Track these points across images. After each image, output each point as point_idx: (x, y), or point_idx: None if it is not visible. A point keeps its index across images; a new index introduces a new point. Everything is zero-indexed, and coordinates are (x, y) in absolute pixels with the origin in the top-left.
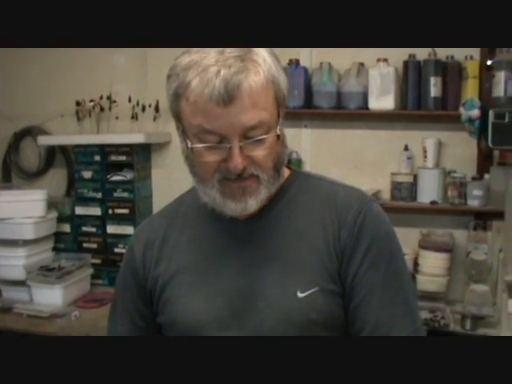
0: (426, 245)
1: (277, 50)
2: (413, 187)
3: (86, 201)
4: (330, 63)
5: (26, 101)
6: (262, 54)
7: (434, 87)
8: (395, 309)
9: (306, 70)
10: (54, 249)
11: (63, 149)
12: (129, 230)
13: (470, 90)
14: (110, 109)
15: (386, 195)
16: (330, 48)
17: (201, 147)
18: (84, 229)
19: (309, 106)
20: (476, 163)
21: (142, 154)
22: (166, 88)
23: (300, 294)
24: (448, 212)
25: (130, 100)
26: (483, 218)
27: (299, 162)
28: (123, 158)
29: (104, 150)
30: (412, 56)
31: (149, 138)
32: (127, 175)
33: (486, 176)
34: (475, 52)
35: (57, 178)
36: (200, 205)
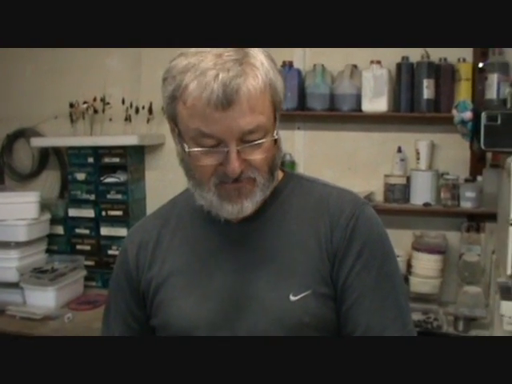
0: (419, 246)
1: (270, 52)
2: (406, 189)
3: (79, 203)
4: (323, 65)
5: (20, 102)
6: (260, 58)
7: (427, 89)
8: (387, 312)
9: (299, 71)
10: (48, 251)
11: (56, 151)
12: (122, 231)
13: (463, 92)
14: (103, 111)
15: (379, 197)
16: (324, 49)
17: (198, 151)
18: (77, 231)
19: (302, 107)
20: (469, 165)
21: (135, 156)
22: (162, 90)
23: (293, 298)
24: (441, 214)
25: (123, 102)
26: (476, 220)
27: (292, 163)
28: (117, 159)
29: (97, 151)
30: (405, 58)
31: (142, 140)
32: (121, 177)
33: (479, 178)
34: (468, 54)
35: (50, 179)
36: (193, 207)
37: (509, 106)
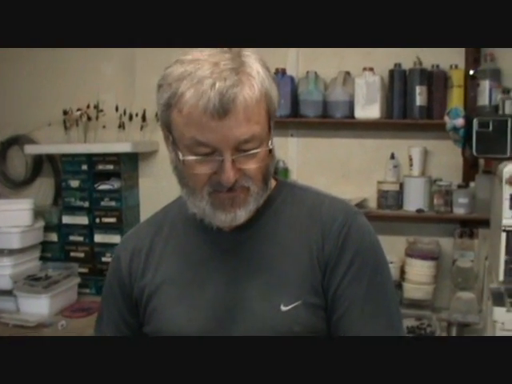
0: (412, 253)
1: (263, 58)
2: (399, 195)
3: (73, 210)
4: (316, 72)
5: (13, 110)
6: (256, 67)
7: (420, 96)
8: (378, 321)
9: (292, 78)
10: (41, 258)
11: (50, 158)
12: (116, 238)
13: (455, 98)
14: (97, 118)
15: (372, 204)
16: (316, 56)
17: (192, 159)
18: (71, 238)
19: (295, 114)
20: (461, 171)
21: (129, 163)
22: (157, 97)
23: (283, 308)
24: (434, 220)
25: (117, 109)
26: (469, 226)
27: (286, 170)
28: (110, 167)
29: (91, 159)
30: (397, 65)
31: (136, 147)
32: (114, 184)
33: (472, 184)
34: (460, 61)
35: (44, 186)
36: (186, 215)
37: (501, 112)
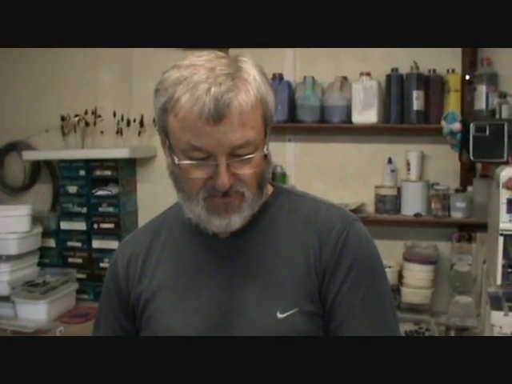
0: (410, 257)
1: (260, 64)
2: (397, 200)
3: (71, 215)
4: (313, 77)
5: (11, 116)
6: (252, 73)
7: (417, 101)
8: (376, 329)
9: (289, 84)
10: (39, 264)
11: (48, 164)
12: (114, 244)
13: (452, 103)
14: (94, 124)
15: (370, 208)
16: (314, 62)
17: (188, 164)
18: (69, 244)
19: (293, 120)
20: (459, 175)
21: (127, 169)
22: (154, 102)
23: (280, 315)
24: (432, 224)
25: (114, 115)
26: (467, 230)
27: (283, 176)
28: (108, 172)
29: (89, 164)
30: (394, 70)
31: (133, 153)
32: (112, 190)
33: (469, 188)
34: (457, 65)
35: (42, 192)
36: (183, 220)
37: (497, 116)
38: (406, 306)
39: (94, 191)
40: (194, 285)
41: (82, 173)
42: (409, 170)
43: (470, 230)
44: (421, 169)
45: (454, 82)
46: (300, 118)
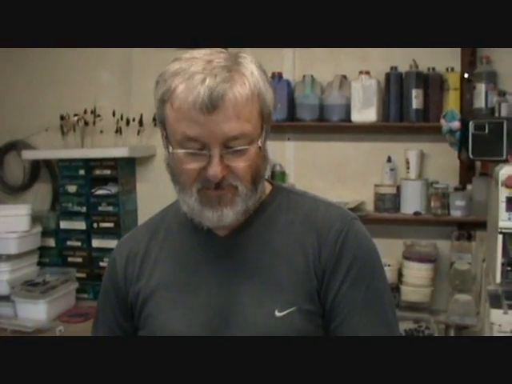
0: (409, 255)
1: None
2: (396, 198)
3: (70, 215)
4: (312, 76)
5: (10, 115)
6: (251, 68)
7: (416, 99)
8: (376, 328)
9: (288, 82)
10: (39, 263)
11: (48, 163)
12: (114, 243)
13: (452, 101)
14: (94, 123)
15: (369, 207)
16: (313, 60)
17: (182, 153)
18: (69, 243)
19: (292, 118)
20: (458, 174)
21: (126, 168)
22: (154, 94)
23: (278, 314)
24: (431, 223)
25: (114, 114)
26: (466, 228)
27: (283, 174)
28: (108, 171)
29: (88, 164)
30: (394, 68)
31: (133, 152)
32: (112, 189)
33: (469, 186)
34: (456, 64)
35: (41, 192)
36: (181, 219)
37: (497, 114)
38: (406, 305)
39: (93, 190)
40: (192, 283)
41: (82, 172)
42: (408, 168)
43: (470, 228)
44: (420, 167)
45: (453, 81)
46: (299, 116)
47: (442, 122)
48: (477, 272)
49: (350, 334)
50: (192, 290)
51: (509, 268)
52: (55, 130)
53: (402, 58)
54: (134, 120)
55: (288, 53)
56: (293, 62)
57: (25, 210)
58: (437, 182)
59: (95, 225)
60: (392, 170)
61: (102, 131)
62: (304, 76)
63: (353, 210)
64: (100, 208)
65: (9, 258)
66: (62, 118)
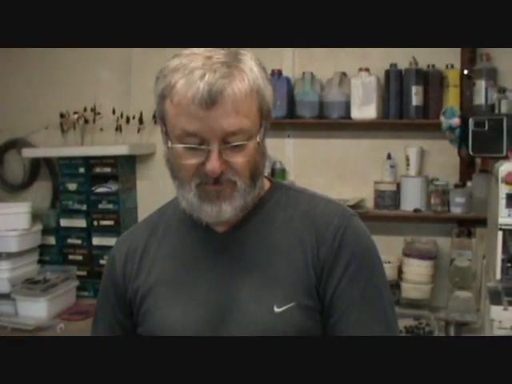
0: (409, 252)
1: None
2: (396, 195)
3: (70, 213)
4: (312, 73)
5: (10, 113)
6: (250, 64)
7: (416, 96)
8: (375, 324)
9: (288, 79)
10: (39, 261)
11: (48, 161)
12: (114, 241)
13: (451, 98)
14: (94, 121)
15: (369, 204)
16: (312, 57)
17: (181, 148)
18: (69, 241)
19: (292, 115)
20: (458, 171)
21: (126, 166)
22: (154, 90)
23: (277, 309)
24: (431, 219)
25: (114, 112)
26: (466, 225)
27: (283, 171)
28: (108, 169)
29: (88, 161)
30: (393, 65)
31: (133, 150)
32: (112, 187)
33: (469, 183)
34: (456, 60)
35: (41, 190)
36: (180, 216)
37: (497, 111)
38: (406, 302)
39: (93, 188)
40: (191, 279)
41: (82, 170)
42: (408, 165)
43: (470, 225)
44: (420, 164)
45: (453, 78)
46: (299, 113)
47: (442, 118)
48: (477, 269)
49: (348, 330)
50: (191, 287)
51: (509, 264)
52: (55, 128)
53: (402, 55)
54: (133, 118)
55: (288, 50)
56: (292, 59)
57: (25, 208)
58: (437, 179)
59: (95, 223)
60: (392, 166)
61: (101, 129)
62: (304, 73)
63: (353, 207)
64: (100, 206)
65: (9, 256)
66: (61, 115)
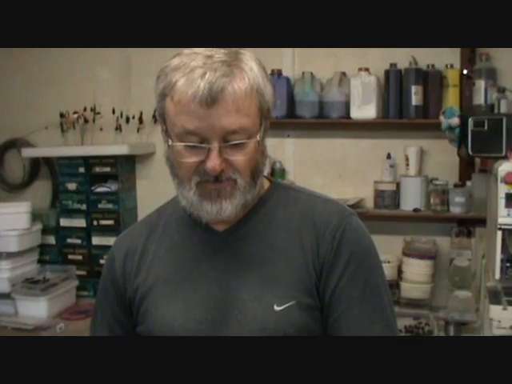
0: (409, 252)
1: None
2: (396, 195)
3: (70, 212)
4: (312, 73)
5: (10, 113)
6: (250, 64)
7: (415, 96)
8: (374, 323)
9: (288, 79)
10: (39, 261)
11: (47, 161)
12: (114, 241)
13: (451, 98)
14: (93, 120)
15: (369, 203)
16: (312, 57)
17: (181, 147)
18: (69, 240)
19: (291, 115)
20: (458, 170)
21: (126, 166)
22: (155, 88)
23: (277, 308)
24: (431, 219)
25: (113, 112)
26: (466, 225)
27: (283, 171)
28: (107, 169)
29: (88, 161)
30: (393, 65)
31: (133, 150)
32: (112, 186)
33: (468, 183)
34: (455, 60)
35: (41, 189)
36: (179, 215)
37: (496, 111)
38: (406, 301)
39: (93, 188)
40: (190, 278)
41: (82, 170)
42: (408, 165)
43: (469, 224)
44: (420, 164)
45: (452, 77)
46: (299, 113)
47: (442, 118)
48: (476, 268)
49: (347, 329)
50: (190, 285)
51: (508, 264)
52: (55, 128)
53: (402, 55)
54: (133, 117)
55: (287, 50)
56: (292, 59)
57: (25, 207)
58: (436, 179)
59: (95, 222)
60: (391, 166)
61: (101, 129)
62: (303, 73)
63: (352, 206)
64: (100, 205)
65: (9, 255)
66: (61, 115)
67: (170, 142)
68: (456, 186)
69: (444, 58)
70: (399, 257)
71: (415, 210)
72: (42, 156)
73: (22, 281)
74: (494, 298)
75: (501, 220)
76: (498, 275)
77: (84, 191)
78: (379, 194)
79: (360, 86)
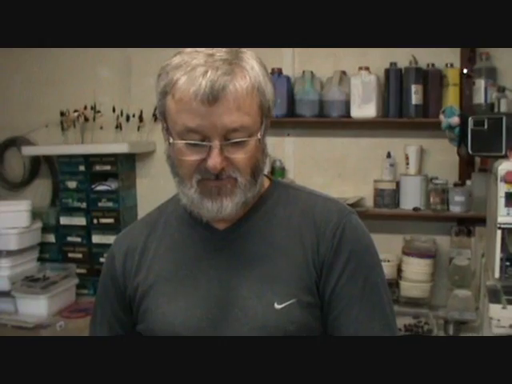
0: (409, 251)
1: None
2: (395, 194)
3: (70, 211)
4: (312, 72)
5: (10, 111)
6: (251, 62)
7: (416, 95)
8: (373, 322)
9: (288, 78)
10: (39, 259)
11: (48, 159)
12: (114, 239)
13: (451, 97)
14: (94, 119)
15: (369, 202)
16: (312, 56)
17: (182, 145)
18: (69, 239)
19: (291, 114)
20: (458, 169)
21: (126, 164)
22: (155, 86)
23: (277, 306)
24: (431, 218)
25: (114, 110)
26: (465, 224)
27: (282, 170)
28: (108, 167)
29: (88, 159)
30: (393, 64)
31: (133, 148)
32: (112, 185)
33: (468, 182)
34: (455, 60)
35: (41, 188)
36: (180, 213)
37: (496, 110)
38: (405, 300)
39: (93, 186)
40: (191, 276)
41: (82, 168)
42: (407, 164)
43: (469, 223)
44: (419, 163)
45: (452, 76)
46: (299, 112)
47: (442, 117)
48: (476, 267)
49: (347, 327)
50: (191, 284)
51: (507, 263)
52: (55, 126)
53: (402, 54)
54: (133, 116)
55: (287, 49)
56: (292, 57)
57: (25, 205)
58: (436, 178)
59: (95, 220)
60: (391, 165)
61: (101, 127)
62: (303, 72)
63: (352, 205)
64: (100, 204)
65: (9, 253)
66: (61, 114)
67: (171, 140)
68: (456, 185)
69: (444, 58)
70: (399, 256)
71: (415, 209)
72: (42, 154)
73: (22, 279)
74: (494, 296)
75: (500, 219)
76: (497, 274)
77: (84, 189)
78: (379, 193)
79: (360, 85)
